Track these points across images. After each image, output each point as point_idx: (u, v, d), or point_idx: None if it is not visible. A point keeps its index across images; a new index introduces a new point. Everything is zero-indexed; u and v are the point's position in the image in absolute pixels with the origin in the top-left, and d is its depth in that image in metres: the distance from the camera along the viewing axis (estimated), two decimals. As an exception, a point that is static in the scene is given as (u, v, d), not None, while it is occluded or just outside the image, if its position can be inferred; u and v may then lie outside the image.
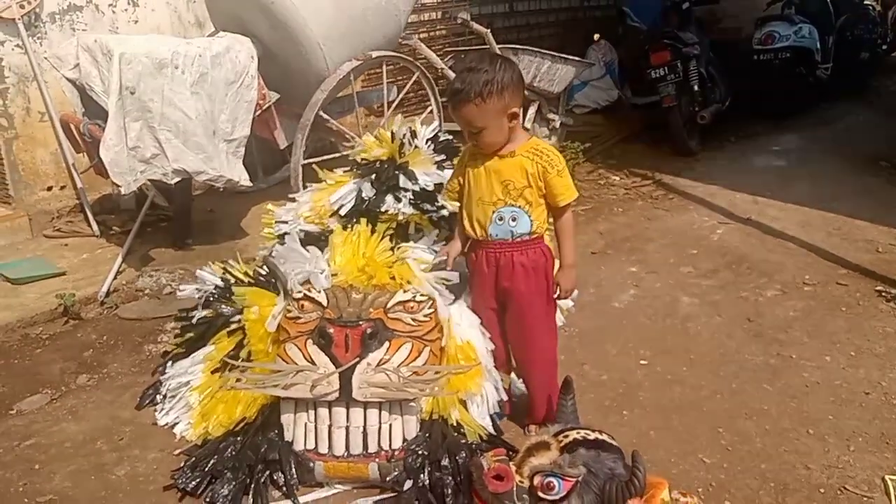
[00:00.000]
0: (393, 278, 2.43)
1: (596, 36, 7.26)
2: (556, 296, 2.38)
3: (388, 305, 2.32)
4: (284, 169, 4.77)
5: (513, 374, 2.66)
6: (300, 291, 2.37)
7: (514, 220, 2.28)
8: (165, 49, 3.39)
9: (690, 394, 2.84)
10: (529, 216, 2.28)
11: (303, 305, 2.34)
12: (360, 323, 2.23)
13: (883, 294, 3.63)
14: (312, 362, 2.19)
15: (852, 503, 2.26)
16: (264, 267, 2.58)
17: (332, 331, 2.20)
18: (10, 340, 3.21)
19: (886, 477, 2.39)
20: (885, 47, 10.18)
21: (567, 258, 2.37)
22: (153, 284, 3.62)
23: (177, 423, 2.59)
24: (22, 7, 3.84)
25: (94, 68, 3.30)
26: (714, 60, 6.68)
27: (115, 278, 3.60)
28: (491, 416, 2.47)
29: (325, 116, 3.76)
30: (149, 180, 4.30)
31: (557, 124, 5.69)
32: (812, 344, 3.20)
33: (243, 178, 3.66)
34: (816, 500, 2.27)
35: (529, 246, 2.32)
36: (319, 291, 2.36)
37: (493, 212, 2.28)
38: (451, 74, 4.87)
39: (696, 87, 6.03)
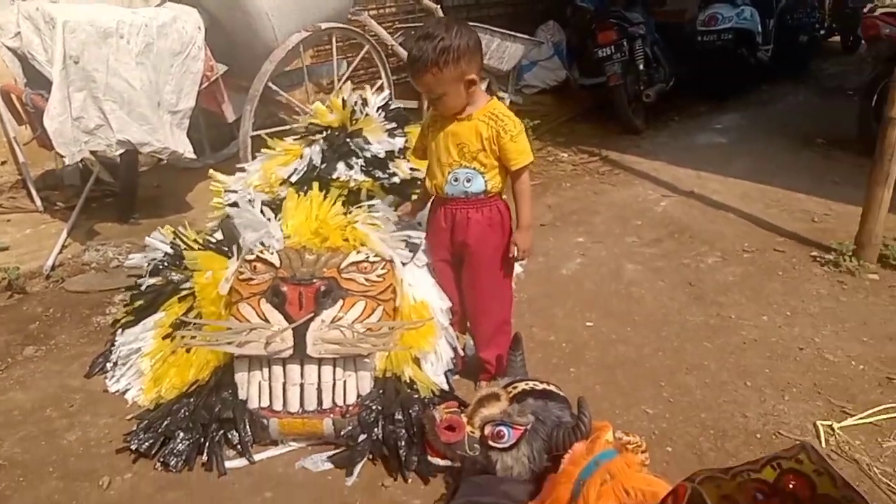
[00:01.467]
0: (346, 240, 2.46)
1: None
2: (511, 256, 2.44)
3: (342, 266, 2.35)
4: (232, 145, 4.74)
5: (467, 335, 2.72)
6: (253, 253, 2.38)
7: (468, 180, 2.33)
8: (110, 18, 3.34)
9: (634, 352, 2.95)
10: (484, 177, 2.33)
11: (255, 267, 2.36)
12: (314, 281, 2.25)
13: (817, 259, 3.79)
14: (266, 320, 2.21)
15: (786, 446, 2.38)
16: (219, 231, 2.57)
17: (285, 289, 2.22)
18: (-46, 314, 3.14)
19: (818, 422, 2.53)
20: (822, 32, 10.53)
21: (524, 220, 2.42)
22: (99, 258, 3.57)
23: (128, 390, 2.58)
24: (-44, -26, 3.75)
25: (36, 37, 3.23)
26: (659, 41, 6.82)
27: (60, 252, 3.54)
28: (445, 373, 2.52)
29: (275, 88, 3.74)
30: (94, 156, 4.26)
31: (507, 102, 5.75)
32: (750, 305, 3.34)
33: (188, 151, 3.62)
34: (753, 445, 2.39)
35: (485, 203, 2.37)
36: (272, 253, 2.37)
37: (449, 172, 2.33)
38: (402, 51, 4.89)
39: (641, 67, 6.16)
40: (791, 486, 1.56)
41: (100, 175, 4.23)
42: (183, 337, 2.24)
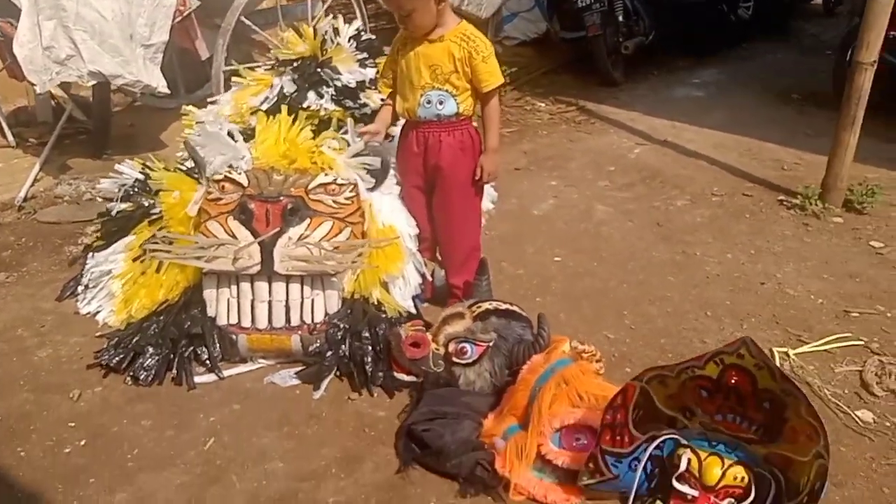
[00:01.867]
0: (314, 164, 2.48)
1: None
2: (478, 178, 2.48)
3: (310, 187, 2.38)
4: (206, 87, 4.68)
5: (436, 264, 2.76)
6: (220, 173, 2.40)
7: (440, 103, 2.36)
8: (80, -54, 3.31)
9: (599, 284, 3.01)
10: (456, 99, 2.36)
11: (223, 187, 2.38)
12: (281, 198, 2.29)
13: (784, 203, 3.87)
14: (234, 237, 2.24)
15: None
16: (185, 152, 2.58)
17: (252, 206, 2.25)
18: (-77, 242, 3.15)
19: (774, 349, 2.61)
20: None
21: (491, 142, 2.47)
22: (72, 192, 3.57)
23: (99, 311, 2.62)
24: None
25: (3, -37, 3.20)
26: (639, -6, 6.80)
27: (32, 185, 3.54)
28: (412, 298, 2.57)
29: (248, 22, 3.72)
30: (67, 94, 4.23)
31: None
32: (715, 244, 3.41)
33: (161, 85, 3.61)
34: (709, 367, 2.47)
35: (456, 127, 2.41)
36: (240, 173, 2.39)
37: (421, 95, 2.35)
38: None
39: (620, 18, 6.13)
40: (733, 381, 1.63)
41: (73, 113, 4.20)
42: (153, 251, 2.26)
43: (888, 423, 2.27)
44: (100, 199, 2.89)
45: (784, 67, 7.16)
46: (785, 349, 2.61)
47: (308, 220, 2.30)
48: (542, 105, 5.65)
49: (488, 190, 3.27)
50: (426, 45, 2.33)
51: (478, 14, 5.45)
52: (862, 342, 2.68)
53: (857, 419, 2.28)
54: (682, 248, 3.35)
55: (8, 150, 3.98)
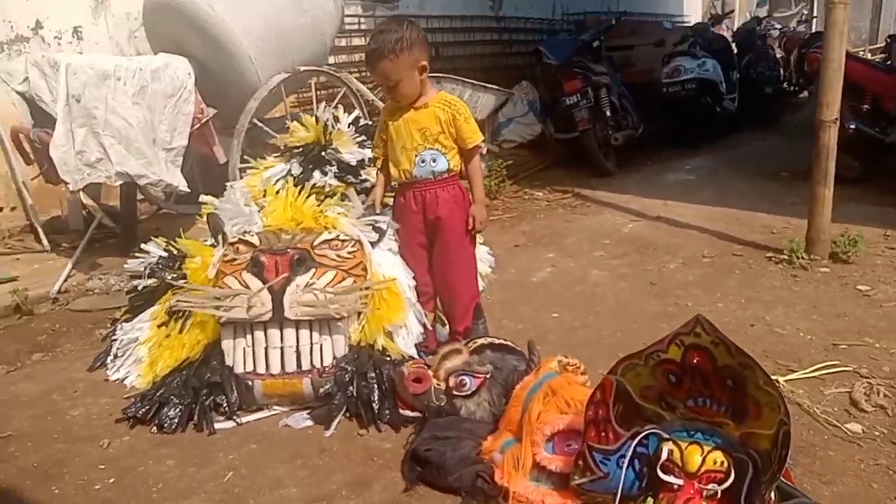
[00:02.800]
0: (319, 224, 2.74)
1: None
2: (470, 228, 2.73)
3: (315, 243, 2.62)
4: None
5: (437, 321, 2.95)
6: (235, 237, 2.66)
7: (434, 160, 2.64)
8: (108, 62, 3.73)
9: (594, 335, 3.18)
10: (446, 157, 2.65)
11: (238, 248, 2.63)
12: (289, 251, 2.53)
13: (773, 259, 4.06)
14: (247, 287, 2.47)
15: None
16: (207, 223, 2.84)
17: (263, 259, 2.49)
18: (-35, 333, 3.39)
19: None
20: (791, 88, 11.09)
21: (478, 194, 2.76)
22: (102, 285, 3.84)
23: (127, 377, 2.80)
24: (-27, 37, 4.19)
25: (42, 81, 3.60)
26: (626, 94, 7.26)
27: (65, 281, 3.81)
28: (416, 346, 2.74)
29: (260, 124, 4.10)
30: (97, 203, 4.59)
31: (484, 151, 6.13)
32: (706, 296, 3.58)
33: (182, 184, 3.94)
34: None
35: (448, 182, 2.69)
36: (253, 235, 2.65)
37: (416, 155, 2.63)
38: (381, 103, 5.28)
39: (608, 113, 6.56)
40: (695, 361, 1.79)
41: (102, 220, 4.54)
42: (176, 302, 2.49)
43: (877, 433, 2.38)
44: (126, 267, 3.14)
45: (772, 152, 7.51)
46: (776, 377, 2.73)
47: (314, 270, 2.53)
48: (540, 194, 5.97)
49: (485, 256, 3.51)
50: (413, 111, 2.63)
51: (473, 116, 5.86)
52: (850, 368, 2.80)
53: (846, 431, 2.39)
54: (674, 300, 3.53)
55: (43, 254, 4.29)
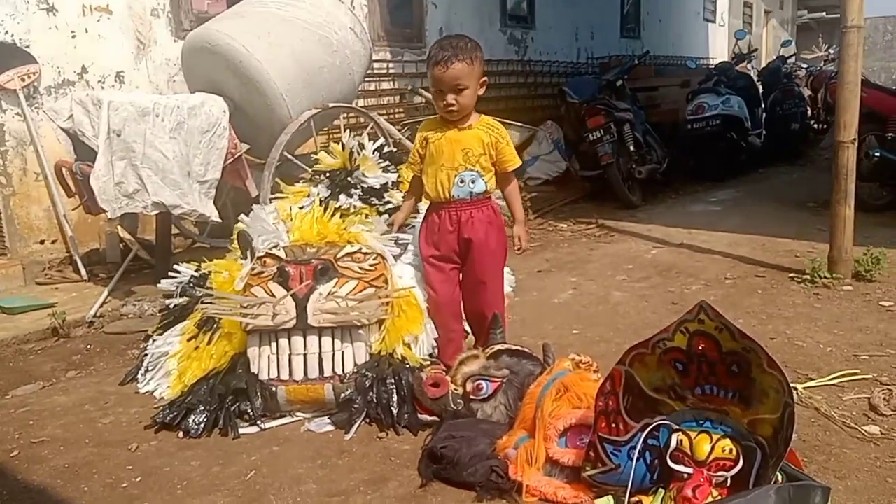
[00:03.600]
0: (343, 238, 2.84)
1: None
2: (516, 249, 2.82)
3: (338, 256, 2.72)
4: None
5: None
6: (263, 250, 2.77)
7: (472, 182, 2.68)
8: (148, 100, 3.93)
9: (614, 348, 3.20)
10: (483, 179, 2.69)
11: (265, 262, 2.74)
12: (313, 261, 2.63)
13: (795, 279, 4.07)
14: (273, 296, 2.57)
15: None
16: (237, 239, 2.97)
17: (289, 269, 2.59)
18: (5, 353, 3.52)
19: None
20: (819, 126, 11.08)
21: (518, 215, 2.84)
22: (136, 311, 3.97)
23: (157, 389, 2.90)
24: (23, 80, 4.41)
25: (85, 117, 3.81)
26: (650, 130, 7.35)
27: (101, 306, 3.95)
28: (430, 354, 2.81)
29: (291, 157, 4.26)
30: (133, 237, 4.77)
31: (509, 186, 6.24)
32: (728, 313, 3.42)
33: (214, 215, 4.09)
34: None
35: (484, 203, 2.74)
36: (280, 249, 2.76)
37: (456, 175, 2.66)
38: (408, 143, 5.43)
39: (631, 147, 6.63)
40: (701, 348, 1.83)
41: (138, 253, 4.71)
42: (204, 308, 2.60)
43: (895, 434, 2.37)
44: (159, 287, 3.28)
45: (798, 184, 7.52)
46: (794, 385, 2.74)
47: (336, 279, 2.62)
48: (564, 225, 6.04)
49: (507, 276, 3.57)
50: (457, 131, 2.66)
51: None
52: (871, 376, 2.80)
53: (863, 432, 2.39)
54: (694, 317, 3.54)
55: (81, 283, 4.46)
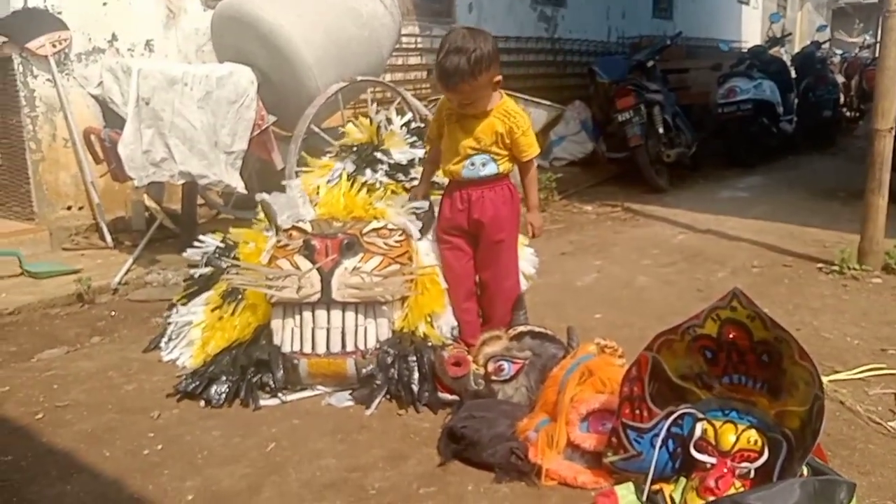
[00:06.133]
0: (369, 213, 2.83)
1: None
2: (529, 235, 2.80)
3: (364, 231, 2.71)
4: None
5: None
6: (290, 223, 2.77)
7: (483, 164, 2.64)
8: (177, 69, 3.93)
9: (637, 333, 3.15)
10: (497, 163, 2.64)
11: (291, 234, 2.74)
12: (339, 235, 2.62)
13: (823, 269, 4.01)
14: (298, 269, 2.56)
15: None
16: (263, 211, 2.96)
17: (315, 242, 2.59)
18: (32, 317, 3.56)
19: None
20: (852, 114, 10.88)
21: (533, 201, 2.80)
22: (160, 279, 4.00)
23: (179, 357, 2.92)
24: (54, 46, 4.42)
25: (115, 84, 3.81)
26: (680, 113, 7.23)
27: (126, 274, 3.98)
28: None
29: (318, 130, 4.24)
30: (159, 206, 4.80)
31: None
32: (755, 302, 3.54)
33: (240, 186, 4.09)
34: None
35: (496, 183, 2.69)
36: (306, 222, 2.76)
37: (466, 158, 2.63)
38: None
39: (660, 130, 6.53)
40: (731, 336, 1.80)
41: (163, 222, 4.73)
42: (230, 278, 2.60)
43: (921, 433, 2.33)
44: (185, 255, 3.30)
45: (829, 172, 7.39)
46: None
47: (361, 254, 2.61)
48: (589, 208, 5.99)
49: (529, 257, 3.53)
50: (471, 119, 2.60)
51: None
52: (898, 372, 2.75)
53: (889, 428, 2.35)
54: (719, 305, 3.50)
55: (106, 251, 4.50)
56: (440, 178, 2.93)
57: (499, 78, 2.55)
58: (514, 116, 2.62)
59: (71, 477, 2.15)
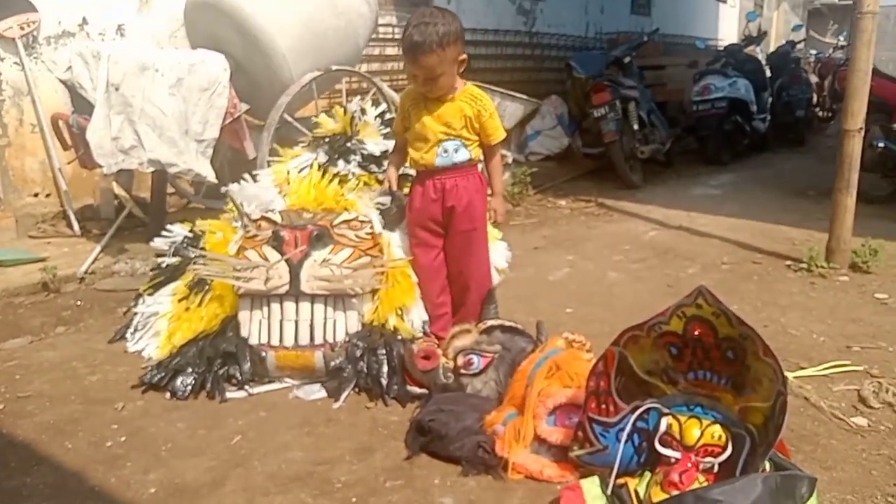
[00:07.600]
0: (339, 205, 2.81)
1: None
2: (491, 221, 2.77)
3: (334, 222, 2.69)
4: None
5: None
6: (259, 213, 2.74)
7: (456, 150, 2.63)
8: (148, 54, 3.86)
9: (607, 328, 3.17)
10: (468, 148, 2.64)
11: (260, 225, 2.71)
12: (308, 226, 2.60)
13: (791, 267, 4.05)
14: (267, 260, 2.54)
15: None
16: (231, 201, 2.93)
17: (283, 233, 2.56)
18: (-5, 306, 3.51)
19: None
20: (824, 114, 11.02)
21: (497, 188, 2.79)
22: (128, 268, 3.94)
23: (145, 349, 2.88)
24: (22, 28, 4.33)
25: (84, 69, 3.74)
26: (655, 110, 7.28)
27: (92, 263, 3.92)
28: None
29: (291, 120, 4.20)
30: (128, 194, 4.73)
31: (510, 160, 6.19)
32: (723, 299, 3.54)
33: (210, 175, 4.02)
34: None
35: (469, 172, 2.69)
36: (276, 213, 2.73)
37: (438, 145, 2.62)
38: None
39: (635, 126, 6.57)
40: (696, 333, 1.81)
41: (132, 210, 4.67)
42: (196, 269, 2.57)
43: (882, 427, 2.37)
44: (152, 245, 3.25)
45: (801, 171, 7.47)
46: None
47: (331, 246, 2.59)
48: (563, 203, 6.00)
49: (502, 251, 3.53)
50: (438, 103, 2.60)
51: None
52: (861, 368, 2.79)
53: (851, 424, 2.38)
54: (689, 301, 3.52)
55: (73, 239, 4.43)
56: (408, 168, 2.91)
57: (464, 57, 2.56)
58: (481, 100, 2.64)
59: (31, 469, 2.11)
